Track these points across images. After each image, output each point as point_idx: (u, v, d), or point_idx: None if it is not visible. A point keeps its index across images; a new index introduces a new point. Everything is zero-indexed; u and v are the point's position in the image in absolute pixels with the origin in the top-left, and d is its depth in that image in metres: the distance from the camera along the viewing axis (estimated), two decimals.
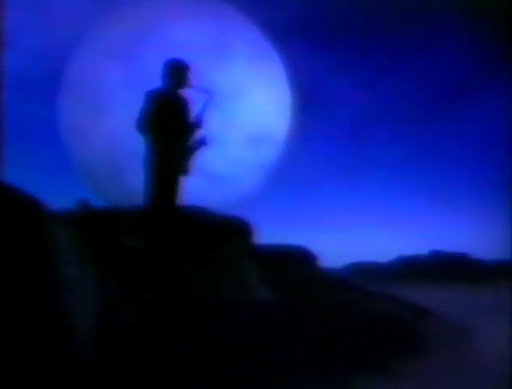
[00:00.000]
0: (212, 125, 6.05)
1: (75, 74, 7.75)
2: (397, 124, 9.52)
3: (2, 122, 5.43)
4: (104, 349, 4.14)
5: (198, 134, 5.71)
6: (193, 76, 5.68)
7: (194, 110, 5.66)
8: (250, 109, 8.18)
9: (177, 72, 5.68)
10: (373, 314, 5.91)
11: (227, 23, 8.19)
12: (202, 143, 5.71)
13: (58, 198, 6.56)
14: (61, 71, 7.74)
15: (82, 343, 3.85)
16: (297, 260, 6.90)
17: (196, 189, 6.47)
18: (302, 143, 8.25)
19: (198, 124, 5.63)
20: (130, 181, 6.31)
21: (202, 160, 6.27)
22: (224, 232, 6.24)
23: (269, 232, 7.15)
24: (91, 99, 7.98)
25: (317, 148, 8.73)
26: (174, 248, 5.51)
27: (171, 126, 5.49)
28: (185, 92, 5.64)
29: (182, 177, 5.61)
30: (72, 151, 7.64)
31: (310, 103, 8.57)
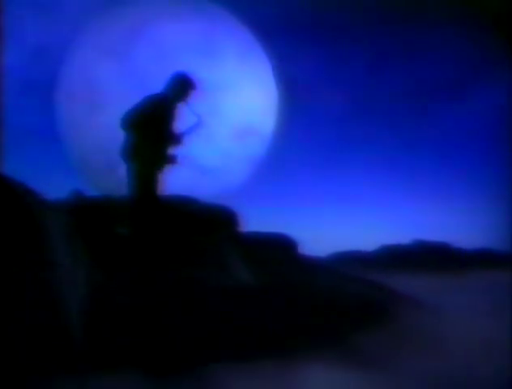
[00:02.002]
0: (204, 127, 6.25)
1: (72, 72, 7.99)
2: (381, 117, 9.72)
3: (2, 117, 5.65)
4: (93, 326, 4.41)
5: (174, 150, 5.90)
6: (195, 95, 5.82)
7: (181, 126, 5.86)
8: (238, 103, 8.41)
9: (181, 86, 5.84)
10: (349, 297, 6.18)
11: (216, 23, 8.41)
12: (172, 160, 5.89)
13: (55, 188, 6.80)
14: (59, 69, 7.97)
15: (71, 319, 4.12)
16: (280, 247, 7.16)
17: (185, 179, 6.75)
18: (288, 136, 8.48)
19: (178, 141, 5.81)
20: (123, 173, 6.56)
21: (191, 152, 6.53)
22: (211, 220, 6.50)
23: (255, 222, 7.41)
24: (87, 96, 8.21)
25: (302, 141, 8.96)
26: (161, 234, 5.80)
27: (154, 129, 5.70)
28: (181, 107, 5.80)
29: (163, 171, 5.85)
30: (69, 145, 7.89)
31: (296, 98, 8.79)
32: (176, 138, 5.85)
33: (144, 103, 5.68)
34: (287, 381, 4.25)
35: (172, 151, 5.89)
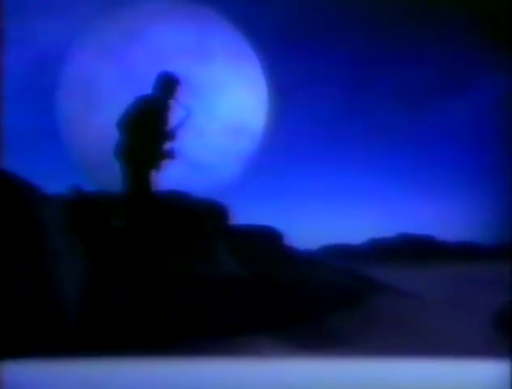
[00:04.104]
0: (193, 116, 6.50)
1: (71, 72, 8.17)
2: (372, 115, 9.86)
3: (2, 114, 5.81)
4: (88, 311, 4.63)
5: (169, 145, 6.14)
6: (181, 90, 6.10)
7: (172, 121, 6.11)
8: (230, 103, 8.59)
9: (167, 84, 6.11)
10: (332, 286, 6.40)
11: (209, 26, 8.59)
12: (169, 154, 6.13)
13: (55, 183, 6.99)
14: (59, 70, 8.14)
15: (68, 304, 4.33)
16: (267, 239, 7.34)
17: (179, 176, 6.94)
18: (278, 133, 8.68)
19: (172, 135, 6.07)
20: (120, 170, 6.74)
21: (185, 149, 6.73)
22: (201, 214, 6.71)
23: (246, 215, 7.59)
24: (85, 95, 8.39)
25: (292, 139, 9.11)
26: (154, 227, 6.01)
27: (148, 129, 5.94)
28: (171, 104, 6.06)
29: (159, 168, 6.08)
30: (68, 142, 8.07)
31: (286, 97, 8.98)
32: (169, 134, 6.10)
33: (136, 105, 5.92)
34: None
35: (168, 146, 6.15)
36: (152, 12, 8.26)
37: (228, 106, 8.35)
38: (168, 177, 6.48)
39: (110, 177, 7.29)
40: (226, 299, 5.60)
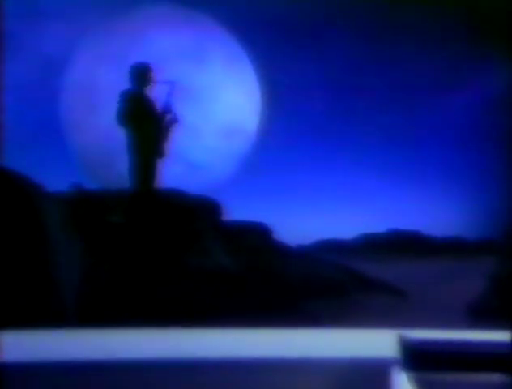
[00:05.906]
0: (189, 118, 6.72)
1: (74, 74, 8.38)
2: (365, 114, 9.99)
3: (3, 113, 5.98)
4: (86, 301, 4.82)
5: (168, 116, 6.41)
6: (156, 74, 6.37)
7: (161, 101, 6.38)
8: (225, 104, 8.79)
9: (140, 73, 6.39)
10: (321, 280, 6.58)
11: (205, 30, 8.80)
12: (173, 121, 6.40)
13: (57, 181, 7.16)
14: (62, 71, 8.35)
15: (66, 295, 4.52)
16: (259, 235, 7.52)
17: (174, 175, 7.13)
18: (271, 134, 8.86)
19: (167, 109, 6.33)
20: (121, 168, 6.96)
21: (181, 149, 6.93)
22: (196, 211, 6.90)
23: (239, 213, 7.75)
24: (87, 96, 8.60)
25: (285, 139, 9.26)
26: (151, 223, 6.21)
27: (143, 116, 6.19)
28: (152, 88, 6.34)
29: (160, 160, 6.32)
30: (70, 141, 8.26)
31: (280, 99, 9.14)
32: (164, 110, 6.35)
33: (123, 99, 6.15)
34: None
35: (166, 120, 6.43)
36: (151, 17, 8.46)
37: (223, 107, 8.53)
38: (164, 176, 6.69)
39: (110, 175, 7.47)
40: (219, 290, 5.79)
